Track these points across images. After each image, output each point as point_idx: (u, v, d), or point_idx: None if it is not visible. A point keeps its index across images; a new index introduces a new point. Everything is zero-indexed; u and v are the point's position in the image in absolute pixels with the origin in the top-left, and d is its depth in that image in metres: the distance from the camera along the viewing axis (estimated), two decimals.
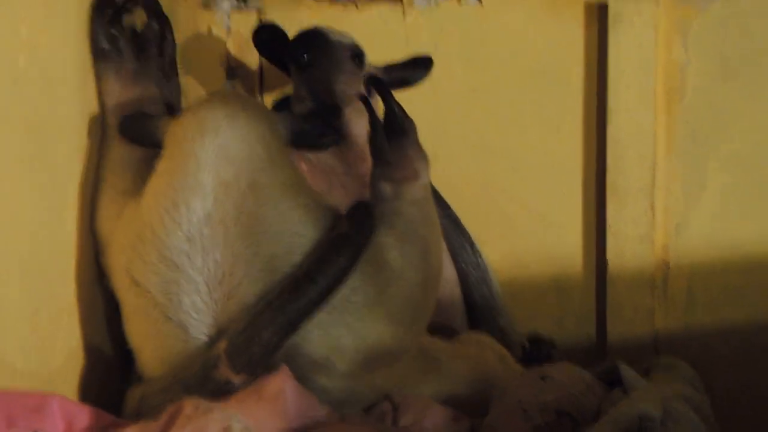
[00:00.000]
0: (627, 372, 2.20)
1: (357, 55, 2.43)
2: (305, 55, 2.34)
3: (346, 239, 1.98)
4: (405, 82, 2.50)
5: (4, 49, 1.83)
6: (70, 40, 2.04)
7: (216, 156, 1.95)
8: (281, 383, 1.86)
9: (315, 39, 2.39)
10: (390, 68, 2.51)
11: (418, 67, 2.51)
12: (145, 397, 1.97)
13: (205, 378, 1.89)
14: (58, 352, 2.03)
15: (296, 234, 1.99)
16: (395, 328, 2.05)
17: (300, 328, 1.91)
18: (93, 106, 2.14)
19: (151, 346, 2.00)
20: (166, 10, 2.45)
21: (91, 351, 2.11)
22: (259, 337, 1.88)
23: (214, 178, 1.95)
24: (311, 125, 2.18)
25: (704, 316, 2.65)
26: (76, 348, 2.09)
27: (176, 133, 2.01)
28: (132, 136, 2.13)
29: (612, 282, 2.67)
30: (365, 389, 2.02)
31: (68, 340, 2.06)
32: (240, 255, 1.95)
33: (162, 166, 2.01)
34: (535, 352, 2.58)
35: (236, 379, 1.87)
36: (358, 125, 2.39)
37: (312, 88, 2.37)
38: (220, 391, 1.87)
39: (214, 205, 1.95)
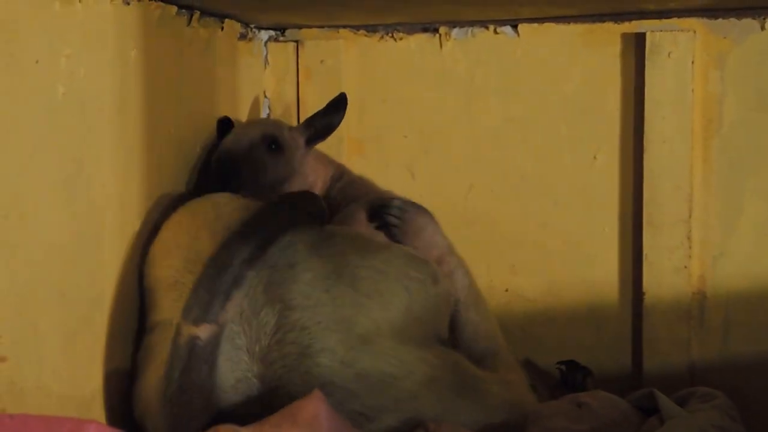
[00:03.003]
0: (663, 400, 2.19)
1: (270, 143, 2.47)
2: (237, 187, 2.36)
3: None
4: (329, 127, 2.54)
5: (44, 80, 1.86)
6: (108, 70, 2.07)
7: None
8: (316, 408, 1.86)
9: (229, 170, 2.41)
10: (312, 120, 2.54)
11: (336, 109, 2.53)
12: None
13: (177, 350, 1.88)
14: (94, 377, 2.04)
15: None
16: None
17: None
18: (129, 134, 2.16)
19: None
20: (204, 42, 2.50)
21: (126, 376, 2.12)
22: (202, 285, 1.90)
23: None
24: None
25: (741, 346, 2.63)
26: (112, 373, 2.10)
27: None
28: None
29: (648, 312, 2.65)
30: (397, 408, 2.03)
31: (104, 365, 2.07)
32: None
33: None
34: (571, 376, 2.58)
35: (200, 332, 1.88)
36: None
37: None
38: (197, 357, 1.88)
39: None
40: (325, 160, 2.62)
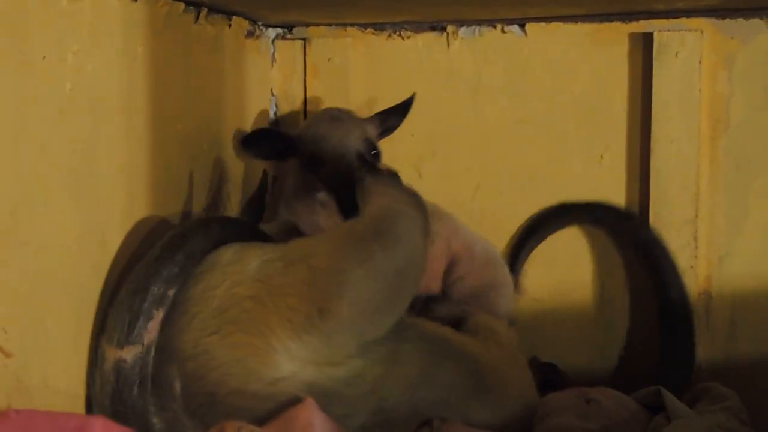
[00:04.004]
0: (670, 399, 2.19)
1: (371, 149, 2.46)
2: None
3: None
4: (395, 126, 2.58)
5: (52, 76, 1.86)
6: (115, 67, 2.07)
7: None
8: (309, 416, 1.86)
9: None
10: (384, 116, 2.56)
11: (406, 110, 2.59)
12: None
13: (103, 376, 1.89)
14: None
15: None
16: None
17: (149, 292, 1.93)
18: (136, 131, 2.16)
19: None
20: (211, 39, 2.50)
21: None
22: (123, 307, 1.91)
23: None
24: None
25: (746, 347, 2.63)
26: None
27: None
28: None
29: None
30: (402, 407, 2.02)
31: None
32: None
33: None
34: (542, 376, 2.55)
35: (125, 354, 1.88)
36: None
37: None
38: (125, 379, 1.88)
39: None
40: None
